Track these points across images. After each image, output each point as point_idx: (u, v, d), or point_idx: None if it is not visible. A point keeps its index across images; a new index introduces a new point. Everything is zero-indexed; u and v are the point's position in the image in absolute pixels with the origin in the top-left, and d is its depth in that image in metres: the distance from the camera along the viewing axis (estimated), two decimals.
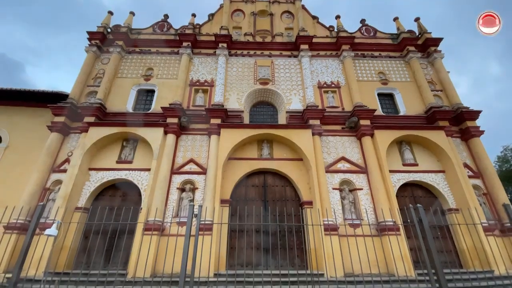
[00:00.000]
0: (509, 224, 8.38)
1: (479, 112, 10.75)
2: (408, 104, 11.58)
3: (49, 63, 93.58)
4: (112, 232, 6.65)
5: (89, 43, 12.34)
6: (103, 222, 5.03)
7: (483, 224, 7.75)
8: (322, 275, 7.40)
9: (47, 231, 3.30)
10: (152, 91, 11.85)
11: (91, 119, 10.15)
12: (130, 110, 11.15)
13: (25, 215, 8.07)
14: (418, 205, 4.55)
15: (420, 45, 12.95)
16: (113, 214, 4.90)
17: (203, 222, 7.50)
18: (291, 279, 6.69)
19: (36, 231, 3.33)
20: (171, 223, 8.46)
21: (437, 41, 12.81)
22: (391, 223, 8.25)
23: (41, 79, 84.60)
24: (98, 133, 9.74)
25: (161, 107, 10.46)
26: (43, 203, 5.94)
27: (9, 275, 3.01)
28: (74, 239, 6.68)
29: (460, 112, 10.71)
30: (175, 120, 10.23)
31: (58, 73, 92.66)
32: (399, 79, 12.33)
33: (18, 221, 7.51)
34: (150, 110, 11.16)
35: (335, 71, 12.46)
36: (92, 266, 7.19)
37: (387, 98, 12.19)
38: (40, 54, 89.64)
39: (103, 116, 10.59)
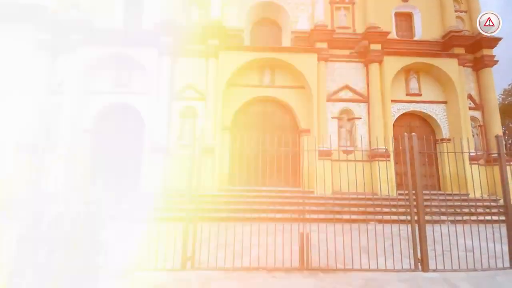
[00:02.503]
0: (496, 154, 8.87)
1: (498, 39, 9.88)
2: (425, 27, 10.51)
3: None
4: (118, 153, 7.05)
5: None
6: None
7: (470, 154, 8.18)
8: (312, 192, 8.30)
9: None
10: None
11: (79, 37, 9.32)
12: (119, 25, 10.07)
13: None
14: (413, 133, 4.69)
15: None
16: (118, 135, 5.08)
17: (206, 146, 7.90)
18: (285, 194, 7.54)
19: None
20: (174, 145, 8.88)
21: None
22: (383, 150, 8.70)
23: None
24: (88, 53, 9.10)
25: (153, 24, 9.44)
26: None
27: None
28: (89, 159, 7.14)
29: (479, 38, 9.85)
30: (169, 39, 9.40)
31: None
32: None
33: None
34: (141, 25, 10.08)
35: None
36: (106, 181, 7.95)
37: (404, 19, 10.94)
38: None
39: (91, 33, 9.65)
